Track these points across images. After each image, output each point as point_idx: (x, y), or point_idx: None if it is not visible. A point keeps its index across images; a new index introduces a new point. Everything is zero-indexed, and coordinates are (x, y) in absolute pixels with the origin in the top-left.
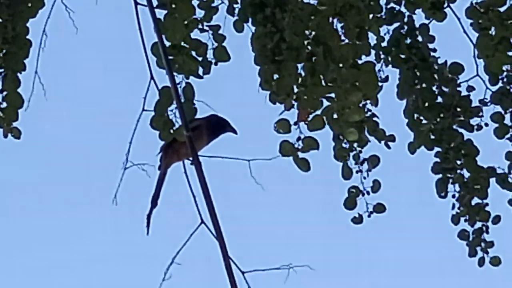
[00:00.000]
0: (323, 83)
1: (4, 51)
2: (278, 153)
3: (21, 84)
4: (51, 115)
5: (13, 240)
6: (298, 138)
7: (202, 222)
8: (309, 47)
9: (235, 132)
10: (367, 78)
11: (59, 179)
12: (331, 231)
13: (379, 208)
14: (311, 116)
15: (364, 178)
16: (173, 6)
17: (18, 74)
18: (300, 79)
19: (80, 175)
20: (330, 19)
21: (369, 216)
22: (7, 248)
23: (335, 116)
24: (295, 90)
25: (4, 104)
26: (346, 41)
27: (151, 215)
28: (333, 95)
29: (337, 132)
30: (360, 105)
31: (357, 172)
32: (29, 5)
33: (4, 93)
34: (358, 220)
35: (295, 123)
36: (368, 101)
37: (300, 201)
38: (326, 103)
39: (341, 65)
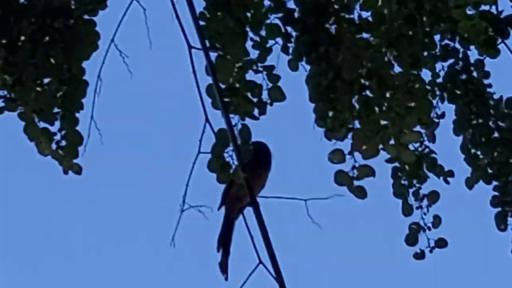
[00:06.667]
0: (377, 111)
1: (61, 92)
2: (334, 192)
3: (79, 123)
4: (108, 159)
5: (70, 279)
6: (353, 167)
7: (260, 262)
8: (362, 80)
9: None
10: (420, 103)
11: (116, 223)
12: (391, 268)
13: (441, 243)
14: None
15: (425, 214)
16: (224, 48)
17: (76, 114)
18: (354, 111)
19: (137, 218)
20: (383, 49)
21: (431, 251)
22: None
23: (391, 142)
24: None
25: (64, 142)
26: (399, 69)
27: (227, 264)
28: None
29: (393, 155)
30: (416, 129)
31: (417, 208)
32: (83, 47)
33: (63, 132)
34: (419, 256)
35: (350, 153)
36: (423, 131)
37: (358, 239)
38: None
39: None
